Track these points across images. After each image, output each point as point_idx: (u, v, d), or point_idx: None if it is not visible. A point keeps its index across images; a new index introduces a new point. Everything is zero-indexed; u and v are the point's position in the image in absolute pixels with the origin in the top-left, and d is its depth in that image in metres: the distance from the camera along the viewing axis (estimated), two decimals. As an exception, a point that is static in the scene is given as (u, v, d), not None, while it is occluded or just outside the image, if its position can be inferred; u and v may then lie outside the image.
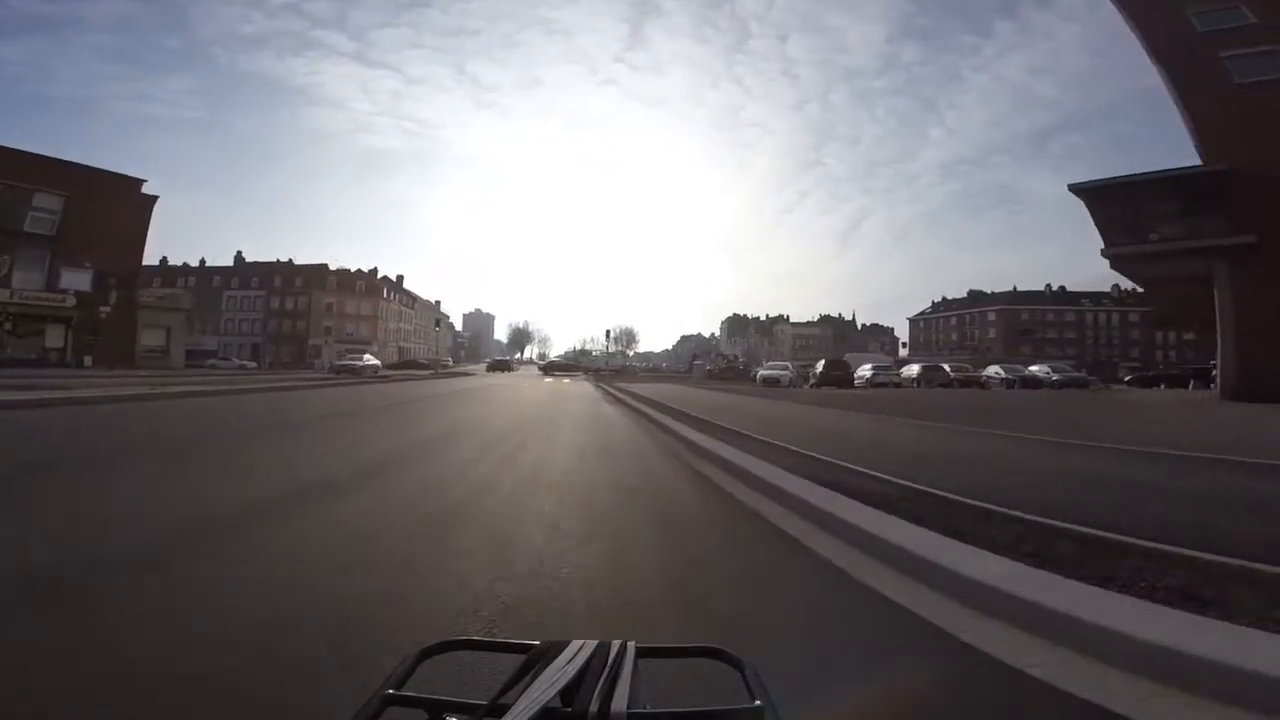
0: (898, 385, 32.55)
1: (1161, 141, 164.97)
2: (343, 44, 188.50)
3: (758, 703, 0.59)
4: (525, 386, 29.50)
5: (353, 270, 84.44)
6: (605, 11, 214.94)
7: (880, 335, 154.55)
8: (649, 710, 0.59)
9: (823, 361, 33.67)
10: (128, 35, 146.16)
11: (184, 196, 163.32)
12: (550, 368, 63.71)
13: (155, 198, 38.67)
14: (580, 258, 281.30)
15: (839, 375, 31.98)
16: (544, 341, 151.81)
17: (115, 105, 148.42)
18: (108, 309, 32.42)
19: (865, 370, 34.50)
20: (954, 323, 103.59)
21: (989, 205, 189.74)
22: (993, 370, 35.74)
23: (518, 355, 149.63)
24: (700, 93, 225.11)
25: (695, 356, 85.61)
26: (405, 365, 61.78)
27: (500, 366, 67.64)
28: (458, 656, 0.69)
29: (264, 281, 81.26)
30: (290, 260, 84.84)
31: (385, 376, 36.69)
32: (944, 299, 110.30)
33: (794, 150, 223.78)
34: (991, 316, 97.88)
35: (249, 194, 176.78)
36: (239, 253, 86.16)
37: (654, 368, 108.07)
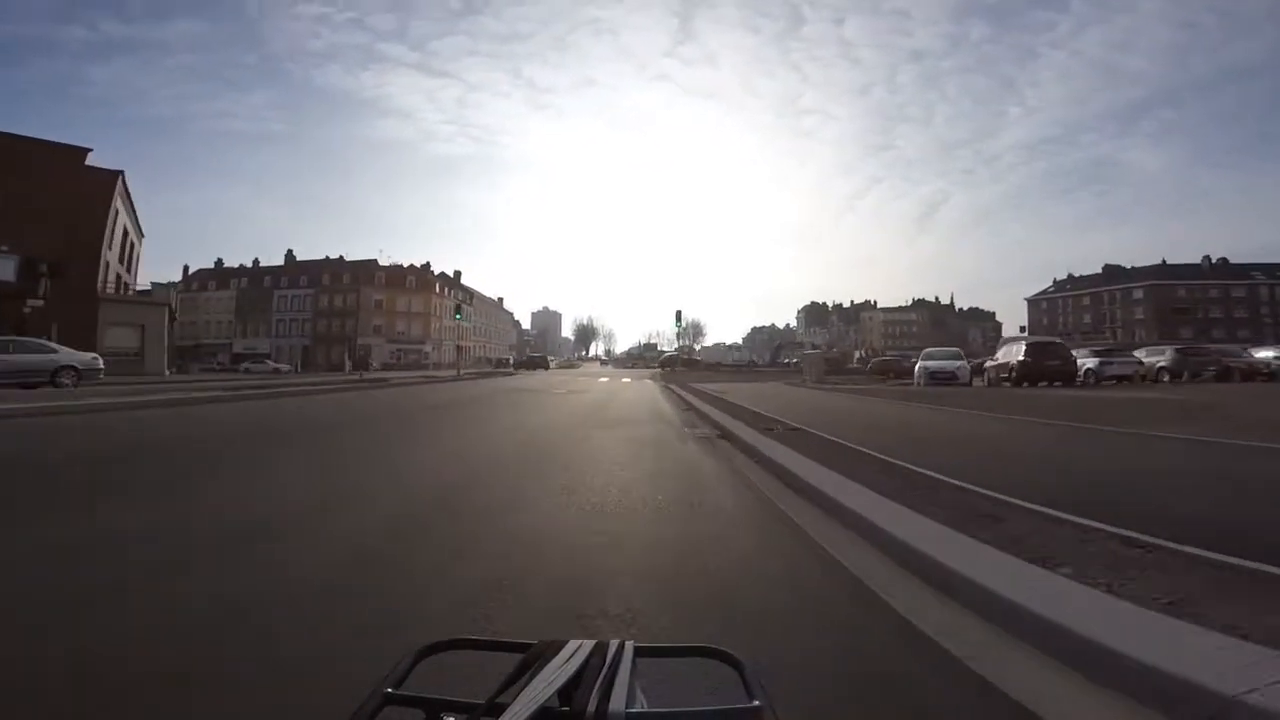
0: (1143, 378, 20.59)
1: (1262, 113, 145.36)
2: (406, 55, 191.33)
3: (757, 703, 0.57)
4: (546, 397, 19.68)
5: (405, 266, 77.73)
6: (652, 7, 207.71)
7: (980, 320, 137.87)
8: (647, 710, 0.58)
9: (1017, 345, 21.92)
10: (206, 54, 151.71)
11: (268, 207, 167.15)
12: (608, 363, 54.26)
13: (118, 173, 31.48)
14: (642, 254, 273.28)
15: (1055, 365, 20.18)
16: (609, 337, 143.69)
17: (203, 124, 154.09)
18: (38, 302, 24.89)
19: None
20: (1086, 302, 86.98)
21: (1078, 184, 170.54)
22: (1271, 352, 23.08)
23: (581, 353, 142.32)
24: (754, 82, 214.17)
25: (779, 346, 73.68)
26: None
27: (535, 364, 58.59)
28: (456, 656, 0.67)
29: (313, 280, 75.73)
30: (341, 257, 79.22)
31: (382, 380, 27.76)
32: (1070, 276, 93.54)
33: (860, 135, 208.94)
34: (1138, 294, 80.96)
35: (328, 204, 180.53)
36: (290, 251, 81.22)
37: (731, 361, 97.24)
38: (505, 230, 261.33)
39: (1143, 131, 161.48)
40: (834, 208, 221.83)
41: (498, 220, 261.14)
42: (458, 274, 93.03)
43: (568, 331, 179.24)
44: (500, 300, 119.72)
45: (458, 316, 48.43)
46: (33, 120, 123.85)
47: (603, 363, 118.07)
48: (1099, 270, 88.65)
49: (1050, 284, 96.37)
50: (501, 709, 0.51)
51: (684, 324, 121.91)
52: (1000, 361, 22.15)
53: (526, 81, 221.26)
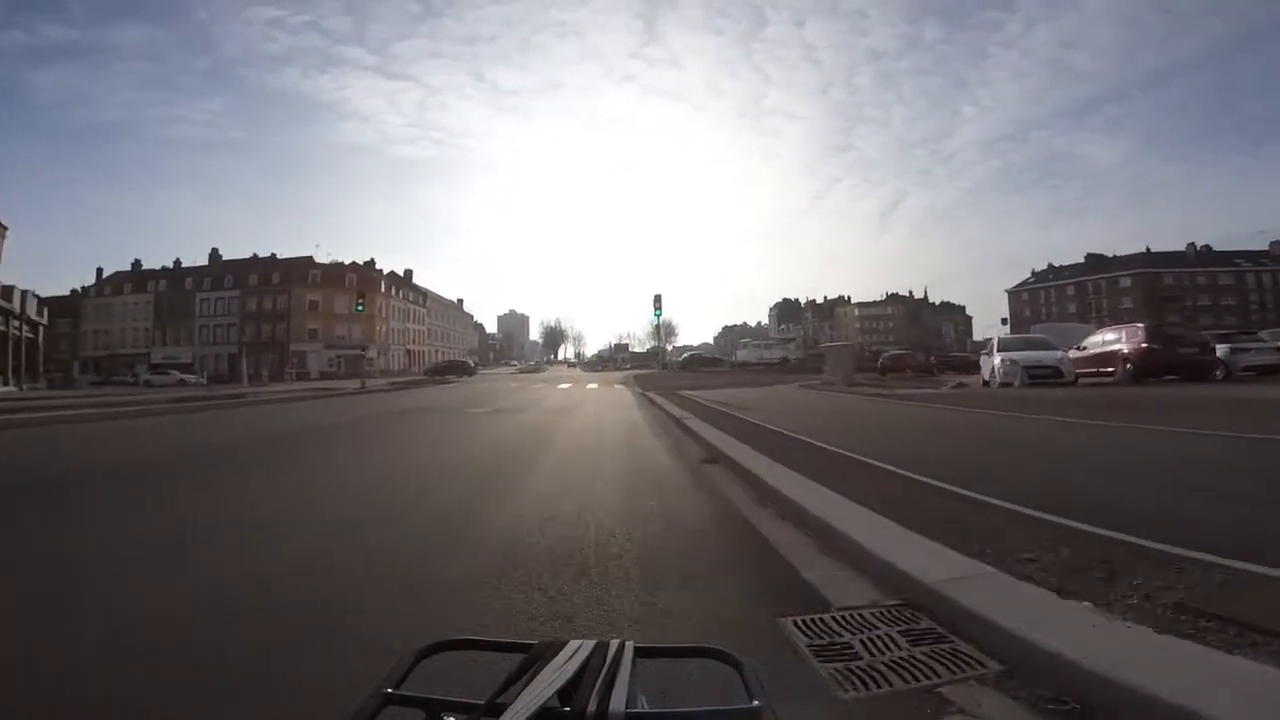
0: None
1: (1207, 107, 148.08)
2: (364, 58, 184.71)
3: (756, 703, 0.57)
4: (457, 421, 12.98)
5: (346, 263, 69.29)
6: (618, 9, 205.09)
7: (953, 314, 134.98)
8: (647, 710, 0.59)
9: (1124, 331, 15.70)
10: (157, 60, 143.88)
11: (226, 214, 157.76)
12: (575, 365, 46.95)
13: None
14: (611, 256, 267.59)
15: (1191, 355, 13.89)
16: (578, 340, 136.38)
17: (157, 129, 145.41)
18: None
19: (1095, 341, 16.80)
20: (1070, 292, 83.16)
21: (1031, 181, 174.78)
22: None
23: (550, 357, 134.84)
24: (720, 83, 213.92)
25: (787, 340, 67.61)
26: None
27: (454, 371, 45.58)
28: (456, 656, 0.66)
29: (239, 280, 66.80)
30: (273, 255, 70.38)
31: (240, 397, 20.52)
32: (1051, 266, 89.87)
33: (821, 135, 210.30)
34: (1125, 282, 77.27)
35: (287, 210, 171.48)
36: (214, 250, 71.98)
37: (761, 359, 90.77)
38: (471, 234, 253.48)
39: (1092, 127, 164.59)
40: (798, 208, 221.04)
41: (463, 224, 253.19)
42: (408, 273, 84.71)
43: (536, 335, 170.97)
44: (460, 302, 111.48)
45: (359, 309, 40.99)
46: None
47: (570, 365, 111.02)
48: (1080, 259, 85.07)
49: (1029, 275, 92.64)
50: (502, 709, 0.50)
51: (660, 318, 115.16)
52: (1098, 352, 15.89)
53: (490, 84, 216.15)
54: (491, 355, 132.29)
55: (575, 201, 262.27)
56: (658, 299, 20.09)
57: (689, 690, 0.79)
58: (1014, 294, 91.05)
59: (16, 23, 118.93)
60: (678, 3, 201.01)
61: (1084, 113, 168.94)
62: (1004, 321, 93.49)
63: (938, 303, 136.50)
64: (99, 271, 77.30)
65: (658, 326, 20.01)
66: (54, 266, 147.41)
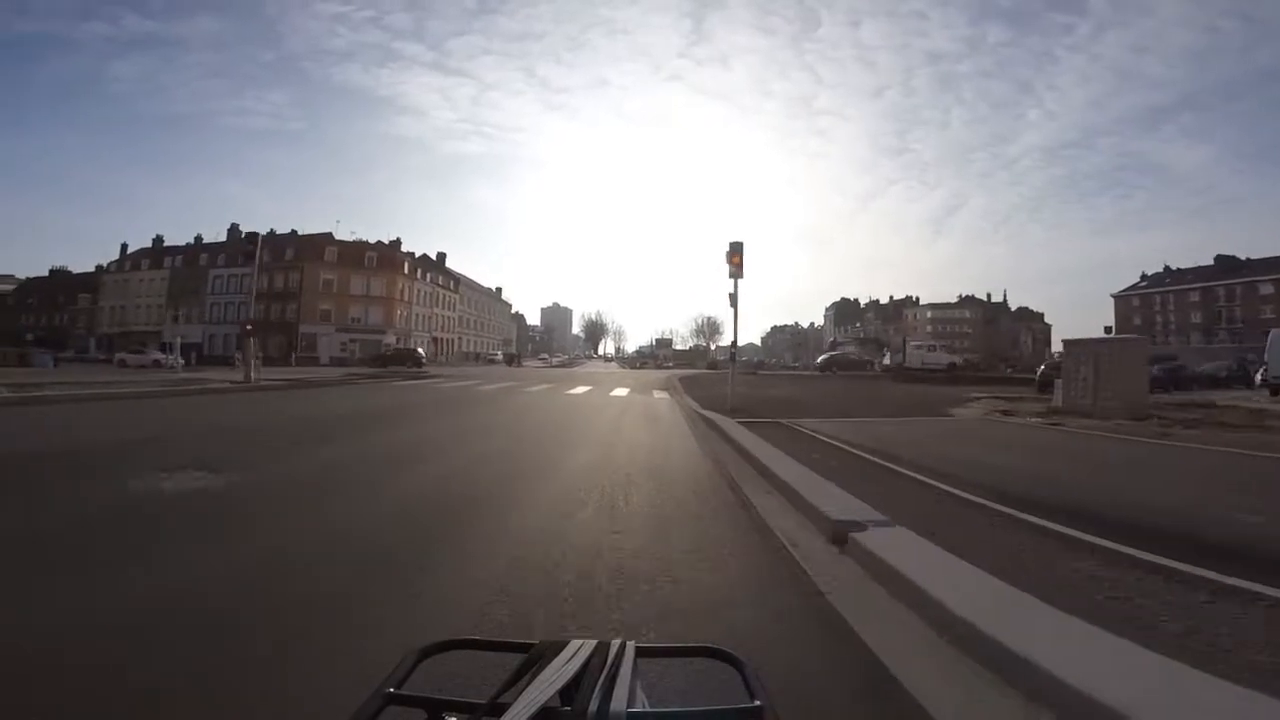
0: None
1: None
2: (422, 54, 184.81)
3: (757, 702, 0.56)
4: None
5: (366, 241, 62.41)
6: (666, 8, 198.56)
7: (1030, 320, 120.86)
8: (648, 710, 0.57)
9: None
10: (225, 52, 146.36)
11: (280, 204, 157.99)
12: (612, 361, 37.85)
13: None
14: (654, 253, 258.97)
15: None
16: (619, 334, 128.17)
17: (224, 120, 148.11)
18: None
19: None
20: (1195, 298, 69.90)
21: (1097, 189, 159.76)
22: None
23: (589, 352, 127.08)
24: (768, 84, 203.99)
25: (834, 345, 57.32)
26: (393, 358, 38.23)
27: (398, 361, 36.92)
28: (457, 656, 0.65)
29: (251, 257, 60.49)
30: (293, 231, 64.08)
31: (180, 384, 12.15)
32: (1167, 269, 76.43)
33: (875, 137, 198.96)
34: (1266, 289, 63.82)
35: (346, 200, 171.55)
36: (234, 225, 66.15)
37: (754, 363, 79.97)
38: (517, 228, 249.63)
39: (1162, 136, 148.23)
40: (848, 209, 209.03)
41: (510, 218, 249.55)
42: (441, 256, 77.79)
43: (578, 328, 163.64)
44: (499, 290, 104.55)
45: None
46: (64, 114, 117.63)
47: (607, 360, 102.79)
48: (1211, 261, 71.45)
49: (1140, 278, 79.22)
50: (503, 709, 0.50)
51: (700, 323, 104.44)
52: None
53: (540, 81, 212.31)
54: (529, 347, 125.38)
55: (620, 199, 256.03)
56: (735, 252, 11.07)
57: (690, 690, 0.79)
58: (1123, 299, 77.94)
59: (100, 14, 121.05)
60: (727, 2, 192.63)
61: (1155, 121, 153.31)
62: (1108, 330, 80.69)
63: (1014, 308, 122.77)
64: (123, 247, 73.05)
65: (733, 295, 10.93)
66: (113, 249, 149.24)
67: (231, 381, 15.79)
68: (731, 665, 0.63)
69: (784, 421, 9.45)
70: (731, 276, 12.30)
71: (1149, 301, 74.87)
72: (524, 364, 64.42)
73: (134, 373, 27.64)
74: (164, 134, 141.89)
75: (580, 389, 18.70)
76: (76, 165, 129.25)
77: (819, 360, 45.81)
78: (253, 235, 18.20)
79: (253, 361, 18.31)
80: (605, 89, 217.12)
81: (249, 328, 18.56)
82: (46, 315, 74.75)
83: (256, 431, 8.32)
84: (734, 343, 12.67)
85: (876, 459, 5.87)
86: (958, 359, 39.62)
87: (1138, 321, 74.77)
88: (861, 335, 71.72)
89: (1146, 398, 10.71)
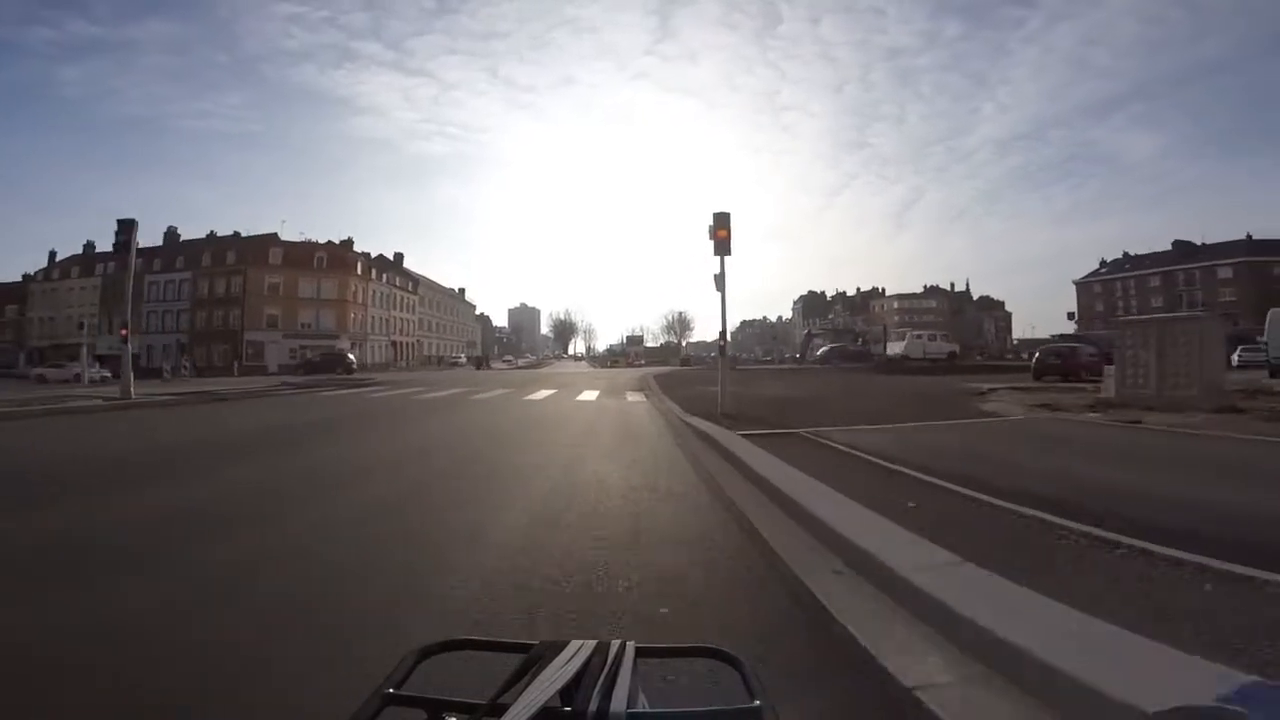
0: None
1: (1233, 107, 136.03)
2: (381, 53, 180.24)
3: (757, 702, 0.57)
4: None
5: (314, 242, 58.63)
6: (631, 5, 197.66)
7: (993, 308, 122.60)
8: (648, 710, 0.58)
9: None
10: (180, 55, 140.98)
11: (241, 207, 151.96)
12: (582, 360, 35.63)
13: None
14: (625, 252, 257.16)
15: None
16: (589, 333, 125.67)
17: (180, 123, 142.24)
18: None
19: None
20: (1155, 283, 70.80)
21: (1052, 179, 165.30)
22: None
23: (558, 352, 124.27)
24: (734, 79, 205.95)
25: (810, 336, 55.93)
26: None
27: (326, 367, 34.81)
28: (457, 656, 0.65)
29: (191, 261, 56.48)
30: (236, 233, 59.87)
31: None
32: (1127, 255, 77.48)
33: (837, 133, 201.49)
34: (1225, 273, 64.80)
35: (307, 204, 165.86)
36: (170, 229, 61.68)
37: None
38: (484, 229, 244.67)
39: (1114, 125, 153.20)
40: (813, 205, 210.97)
41: (476, 219, 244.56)
42: (399, 256, 74.15)
43: (547, 329, 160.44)
44: (461, 291, 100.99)
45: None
46: (12, 120, 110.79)
47: (577, 360, 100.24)
48: (1169, 247, 72.43)
49: (1099, 265, 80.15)
50: (503, 709, 0.50)
51: (671, 319, 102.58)
52: None
53: (505, 80, 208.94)
54: (496, 348, 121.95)
55: (588, 198, 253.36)
56: (721, 225, 8.90)
57: (689, 690, 0.78)
58: (1083, 285, 78.74)
59: (42, 19, 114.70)
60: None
61: (1106, 111, 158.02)
62: (1070, 316, 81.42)
63: (976, 297, 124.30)
64: (51, 255, 67.70)
65: (720, 276, 8.75)
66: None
67: (105, 399, 12.95)
68: (731, 665, 0.62)
69: (801, 432, 7.32)
70: (717, 254, 10.14)
71: (1110, 287, 75.65)
72: (492, 366, 61.61)
73: (46, 388, 24.38)
74: (117, 139, 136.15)
75: (543, 393, 16.37)
76: (21, 170, 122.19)
77: (819, 352, 43.90)
78: (127, 222, 15.21)
79: (129, 374, 15.42)
80: (571, 87, 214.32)
81: (124, 333, 15.65)
82: (-34, 328, 68.96)
83: (64, 465, 5.84)
84: (723, 332, 10.45)
85: (1003, 501, 3.75)
86: (956, 348, 38.47)
87: (1100, 308, 75.51)
88: (836, 325, 70.66)
89: (1227, 385, 8.92)
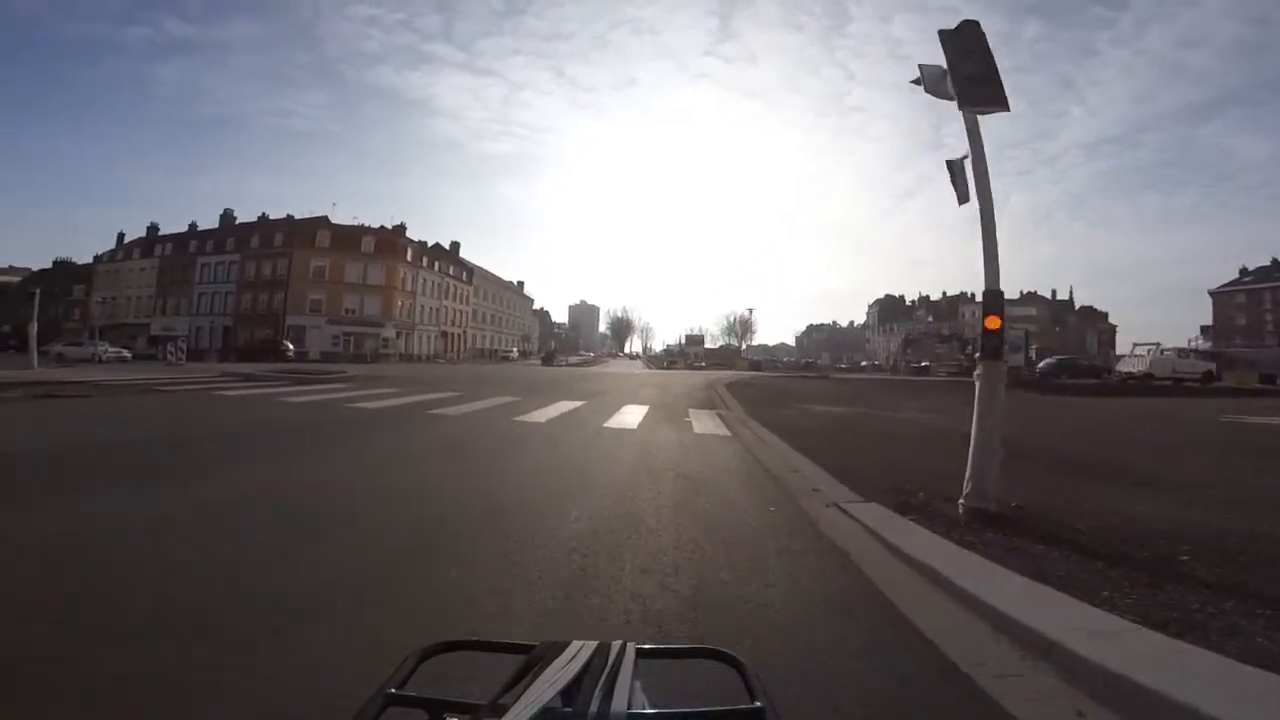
0: None
1: None
2: (452, 55, 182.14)
3: (758, 703, 0.56)
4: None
5: (363, 226, 55.38)
6: (692, 6, 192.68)
7: (1094, 320, 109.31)
8: (649, 710, 0.56)
9: None
10: (266, 54, 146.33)
11: (313, 205, 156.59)
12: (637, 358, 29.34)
13: None
14: (684, 251, 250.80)
15: None
16: (646, 332, 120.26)
17: (264, 120, 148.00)
18: None
19: None
20: (1318, 294, 58.77)
21: (1140, 185, 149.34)
22: None
23: (615, 351, 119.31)
24: (798, 80, 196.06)
25: (910, 341, 48.16)
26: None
27: (260, 353, 31.81)
28: (458, 657, 0.64)
29: (241, 243, 54.24)
30: (289, 216, 57.44)
31: None
32: (1275, 262, 65.11)
33: (909, 133, 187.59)
34: None
35: (375, 200, 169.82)
36: (227, 210, 59.98)
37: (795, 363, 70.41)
38: (546, 226, 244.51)
39: (1212, 130, 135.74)
40: (882, 208, 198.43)
41: (539, 217, 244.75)
42: (455, 245, 70.60)
43: (605, 327, 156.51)
44: (520, 284, 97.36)
45: None
46: (105, 117, 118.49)
47: (632, 358, 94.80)
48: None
49: (1240, 274, 67.95)
50: (504, 710, 0.49)
51: (732, 321, 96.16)
52: None
53: (569, 80, 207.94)
54: (554, 344, 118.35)
55: (647, 197, 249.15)
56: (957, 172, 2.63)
57: (690, 690, 0.76)
58: (1221, 295, 66.87)
59: (141, 19, 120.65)
60: (754, 0, 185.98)
61: (1202, 117, 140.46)
62: (1204, 330, 69.60)
63: (1079, 307, 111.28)
64: (119, 236, 67.37)
65: (988, 227, 2.83)
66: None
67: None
68: (732, 666, 0.62)
69: None
70: (963, 201, 4.17)
71: (1257, 298, 63.68)
72: (565, 362, 57.27)
73: (53, 368, 20.56)
74: (207, 135, 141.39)
75: (560, 407, 10.58)
76: (115, 164, 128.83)
77: (1041, 365, 35.59)
78: None
79: (34, 349, 10.64)
80: (633, 88, 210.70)
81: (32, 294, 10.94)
82: (47, 307, 70.04)
83: None
84: (993, 294, 3.97)
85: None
86: (1212, 367, 30.14)
87: (1242, 321, 63.83)
88: (945, 331, 62.08)
89: None
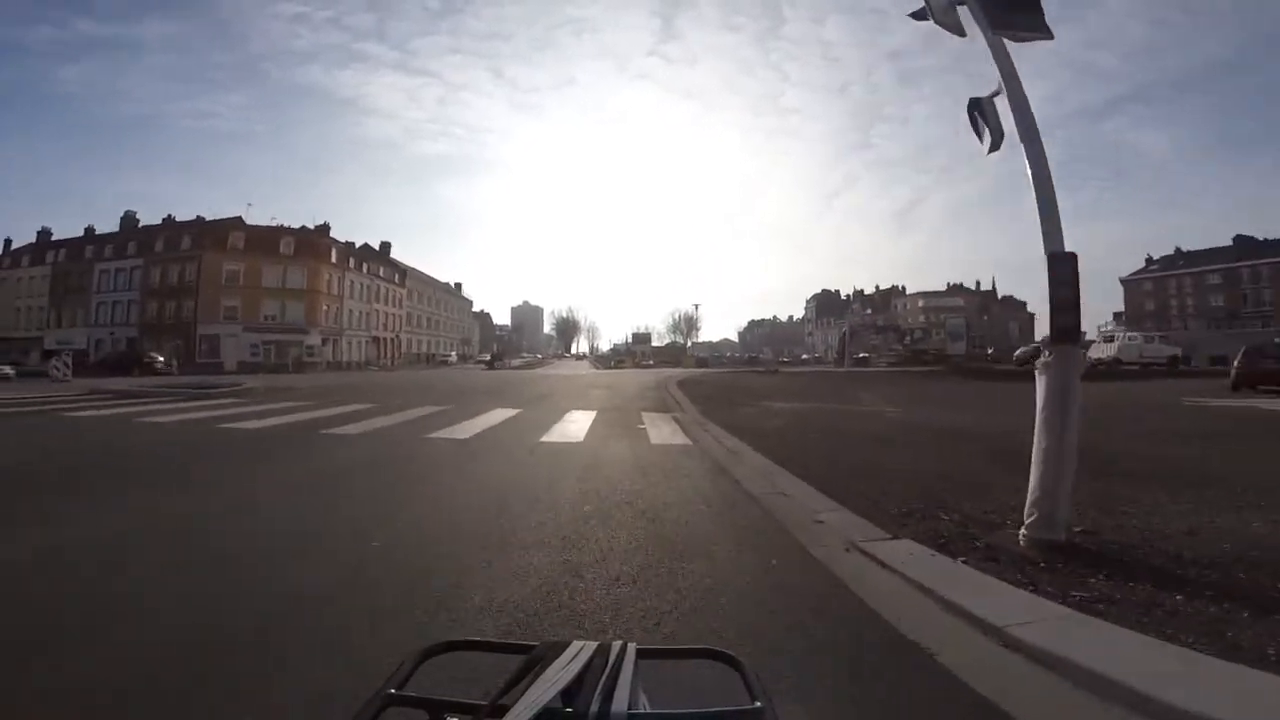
0: None
1: (1235, 112, 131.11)
2: (385, 54, 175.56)
3: (758, 704, 0.56)
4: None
5: (281, 226, 51.54)
6: (634, 6, 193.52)
7: (1015, 310, 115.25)
8: (649, 711, 0.57)
9: None
10: (183, 54, 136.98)
11: (250, 212, 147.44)
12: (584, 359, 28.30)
13: None
14: (628, 251, 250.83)
15: None
16: (593, 331, 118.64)
17: (181, 122, 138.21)
18: None
19: None
20: (1215, 281, 63.26)
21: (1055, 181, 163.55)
22: None
23: (561, 351, 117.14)
24: (736, 81, 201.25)
25: (850, 334, 48.38)
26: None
27: None
28: (459, 657, 0.63)
29: (144, 247, 49.53)
30: (199, 217, 52.76)
31: None
32: (1180, 251, 69.90)
33: (839, 134, 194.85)
34: (1297, 266, 57.32)
35: (305, 203, 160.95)
36: (128, 213, 54.71)
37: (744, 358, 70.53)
38: (486, 227, 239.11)
39: (1113, 127, 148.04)
40: (814, 208, 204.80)
41: (479, 218, 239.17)
42: (385, 246, 66.91)
43: (550, 328, 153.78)
44: (458, 286, 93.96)
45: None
46: (9, 124, 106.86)
47: (578, 359, 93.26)
48: (1230, 242, 64.87)
49: (1145, 262, 72.61)
50: (504, 710, 0.49)
51: (677, 318, 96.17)
52: None
53: (509, 81, 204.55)
54: (495, 346, 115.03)
55: (590, 198, 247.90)
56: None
57: (690, 691, 0.73)
58: (1132, 283, 71.17)
59: (46, 18, 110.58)
60: (696, 1, 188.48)
61: (1105, 114, 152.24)
62: (1117, 316, 73.97)
63: (1000, 296, 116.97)
64: (6, 243, 60.52)
65: (1037, 166, 1.88)
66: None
67: None
68: (732, 667, 0.61)
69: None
70: (995, 146, 3.15)
71: (1163, 285, 68.11)
72: (509, 365, 55.44)
73: None
74: (115, 137, 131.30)
75: (493, 416, 9.19)
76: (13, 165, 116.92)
77: (1018, 353, 35.72)
78: None
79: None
80: (573, 88, 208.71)
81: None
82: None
83: None
84: (1061, 258, 2.89)
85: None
86: (1179, 351, 30.79)
87: (1150, 306, 68.09)
88: (881, 322, 63.32)
89: None
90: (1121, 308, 71.20)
